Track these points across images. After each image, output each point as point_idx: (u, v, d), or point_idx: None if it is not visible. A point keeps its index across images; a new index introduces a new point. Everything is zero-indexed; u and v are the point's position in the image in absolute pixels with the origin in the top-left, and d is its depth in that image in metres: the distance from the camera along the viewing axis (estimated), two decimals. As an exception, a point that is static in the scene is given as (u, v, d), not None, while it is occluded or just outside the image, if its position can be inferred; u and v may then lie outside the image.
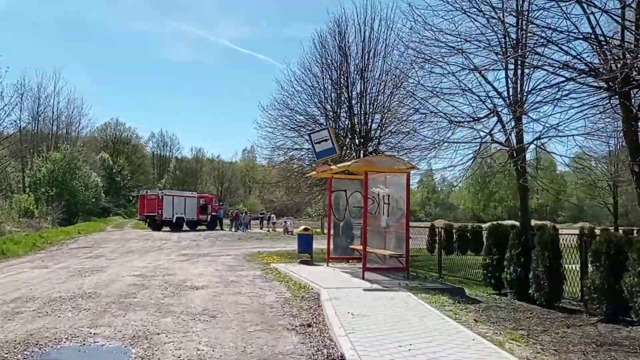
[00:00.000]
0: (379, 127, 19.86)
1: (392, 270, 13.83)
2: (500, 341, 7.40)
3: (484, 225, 33.16)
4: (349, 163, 13.54)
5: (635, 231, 33.48)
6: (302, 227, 18.01)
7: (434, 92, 12.82)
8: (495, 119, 13.06)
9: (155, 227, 43.86)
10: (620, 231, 32.96)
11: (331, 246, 16.61)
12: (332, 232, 16.74)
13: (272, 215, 51.16)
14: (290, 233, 42.43)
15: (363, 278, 13.19)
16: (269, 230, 48.26)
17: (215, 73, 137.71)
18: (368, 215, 13.90)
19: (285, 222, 45.11)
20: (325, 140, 14.10)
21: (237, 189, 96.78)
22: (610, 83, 9.80)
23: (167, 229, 44.11)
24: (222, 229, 48.46)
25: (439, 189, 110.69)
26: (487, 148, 13.64)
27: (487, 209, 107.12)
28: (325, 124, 19.60)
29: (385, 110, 19.47)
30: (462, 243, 25.75)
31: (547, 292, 11.18)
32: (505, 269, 12.36)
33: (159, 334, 7.92)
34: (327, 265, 16.21)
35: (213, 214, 48.68)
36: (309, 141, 15.42)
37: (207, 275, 14.77)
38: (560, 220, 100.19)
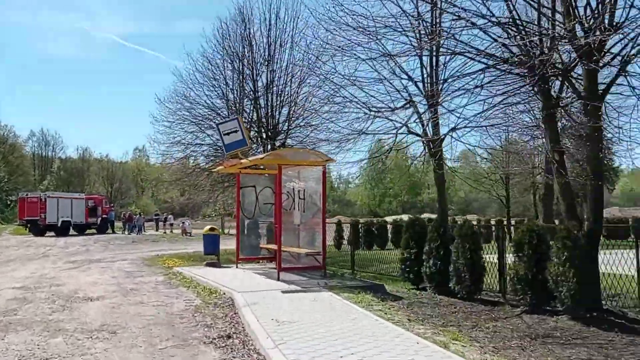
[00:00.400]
0: (287, 120, 19.05)
1: (308, 270, 13.08)
2: (444, 342, 6.85)
3: (388, 220, 33.56)
4: (261, 156, 12.59)
5: (526, 221, 35.50)
6: (207, 227, 16.72)
7: (351, 80, 12.23)
8: (411, 109, 12.74)
9: (37, 232, 40.09)
10: (513, 222, 34.73)
11: (239, 246, 15.56)
12: (240, 231, 15.71)
13: (169, 216, 48.64)
14: (188, 234, 40.59)
15: (278, 279, 12.32)
16: (165, 232, 45.90)
17: (101, 69, 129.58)
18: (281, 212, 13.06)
19: (183, 222, 43.02)
20: (235, 131, 13.00)
21: (129, 189, 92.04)
22: (530, 70, 9.66)
23: (52, 234, 40.51)
24: (114, 232, 45.44)
25: (336, 186, 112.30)
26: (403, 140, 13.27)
27: (383, 205, 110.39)
28: (229, 116, 18.44)
29: (293, 103, 18.71)
30: (368, 238, 25.74)
31: (468, 285, 10.98)
32: (425, 263, 12.08)
33: (47, 359, 6.58)
34: (237, 267, 15.14)
35: (104, 216, 45.48)
36: (217, 132, 14.20)
37: (102, 284, 13.17)
38: (450, 213, 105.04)
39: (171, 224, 47.40)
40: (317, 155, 12.76)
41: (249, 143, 13.75)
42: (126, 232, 43.87)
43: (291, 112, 18.89)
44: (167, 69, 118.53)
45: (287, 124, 19.06)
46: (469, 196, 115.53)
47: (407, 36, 11.71)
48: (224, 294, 10.95)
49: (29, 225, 41.17)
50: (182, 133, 21.21)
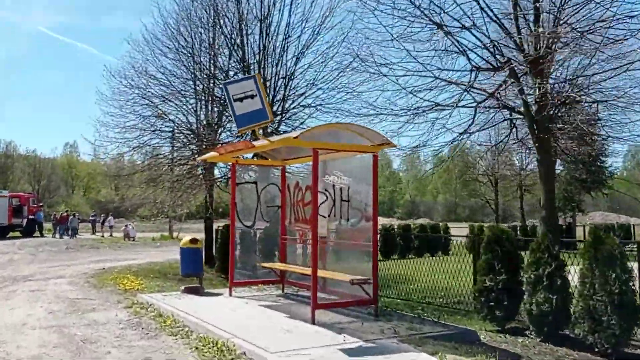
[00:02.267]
0: (283, 99, 14.73)
1: (350, 305, 8.91)
2: None
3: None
4: (295, 134, 8.18)
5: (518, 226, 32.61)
6: (188, 238, 11.94)
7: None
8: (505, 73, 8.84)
9: (-50, 236, 33.80)
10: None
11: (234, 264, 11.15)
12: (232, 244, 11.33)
13: (110, 218, 42.62)
14: (132, 239, 35.32)
15: (313, 322, 8.08)
16: (103, 236, 40.10)
17: (27, 61, 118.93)
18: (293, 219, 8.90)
19: (126, 226, 37.34)
20: (252, 96, 8.49)
21: (58, 187, 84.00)
22: None
23: (-33, 238, 34.25)
24: (42, 235, 39.32)
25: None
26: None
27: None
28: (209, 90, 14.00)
29: (290, 76, 14.49)
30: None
31: (614, 334, 7.24)
32: (527, 297, 8.35)
33: None
34: (230, 295, 10.73)
35: (30, 217, 39.32)
36: (225, 96, 9.59)
37: (36, 328, 8.45)
38: (397, 216, 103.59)
39: (111, 227, 41.59)
40: (366, 136, 8.60)
41: (271, 117, 9.32)
42: (57, 236, 37.91)
43: (289, 88, 14.60)
44: (100, 64, 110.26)
45: (282, 103, 14.76)
46: (415, 199, 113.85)
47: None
48: (244, 354, 6.66)
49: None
50: (136, 117, 16.67)
